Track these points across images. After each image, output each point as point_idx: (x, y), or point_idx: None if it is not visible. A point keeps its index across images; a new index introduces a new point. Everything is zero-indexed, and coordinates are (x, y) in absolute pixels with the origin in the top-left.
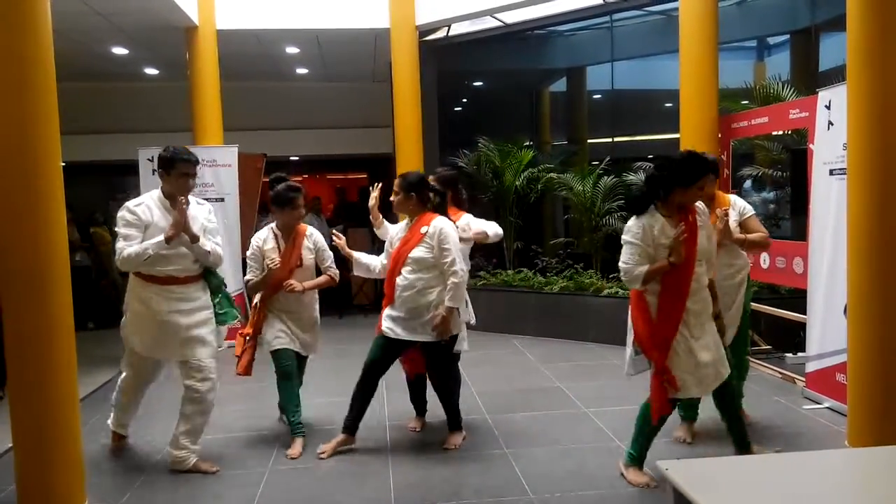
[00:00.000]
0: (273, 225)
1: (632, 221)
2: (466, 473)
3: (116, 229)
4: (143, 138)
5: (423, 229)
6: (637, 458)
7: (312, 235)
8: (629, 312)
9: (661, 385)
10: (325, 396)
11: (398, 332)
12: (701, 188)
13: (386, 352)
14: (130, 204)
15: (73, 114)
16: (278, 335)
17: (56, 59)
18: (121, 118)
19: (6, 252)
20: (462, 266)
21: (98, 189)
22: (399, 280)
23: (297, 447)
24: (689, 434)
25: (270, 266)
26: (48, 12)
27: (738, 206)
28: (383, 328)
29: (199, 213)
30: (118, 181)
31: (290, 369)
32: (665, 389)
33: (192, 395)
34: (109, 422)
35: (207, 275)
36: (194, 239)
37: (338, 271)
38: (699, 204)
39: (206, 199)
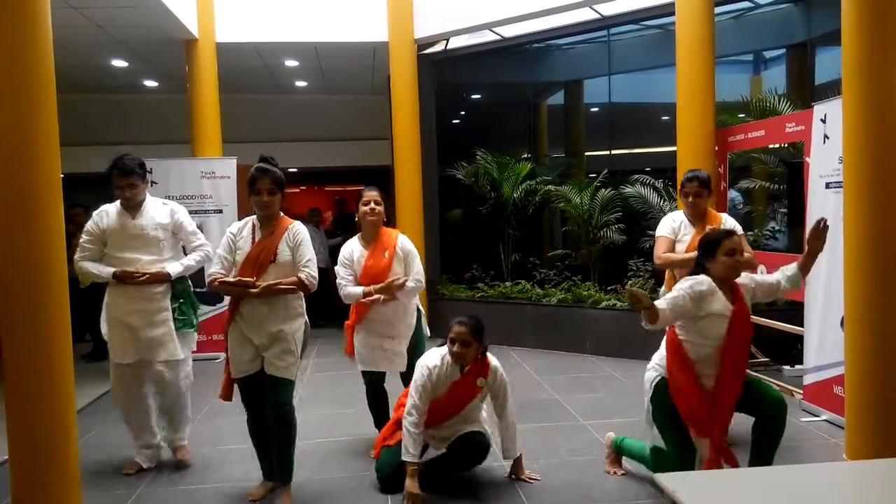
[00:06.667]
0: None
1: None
2: (464, 487)
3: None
4: (143, 150)
5: (480, 381)
6: (616, 451)
7: (294, 229)
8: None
9: (720, 463)
10: (327, 408)
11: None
12: (728, 254)
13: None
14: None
15: (73, 125)
16: (238, 363)
17: (56, 71)
18: (120, 130)
19: (4, 263)
20: None
21: (97, 200)
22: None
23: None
24: None
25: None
26: (49, 25)
27: (728, 225)
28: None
29: (158, 215)
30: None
31: (249, 402)
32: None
33: (160, 389)
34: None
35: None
36: (165, 276)
37: (315, 274)
38: (744, 279)
39: (205, 211)
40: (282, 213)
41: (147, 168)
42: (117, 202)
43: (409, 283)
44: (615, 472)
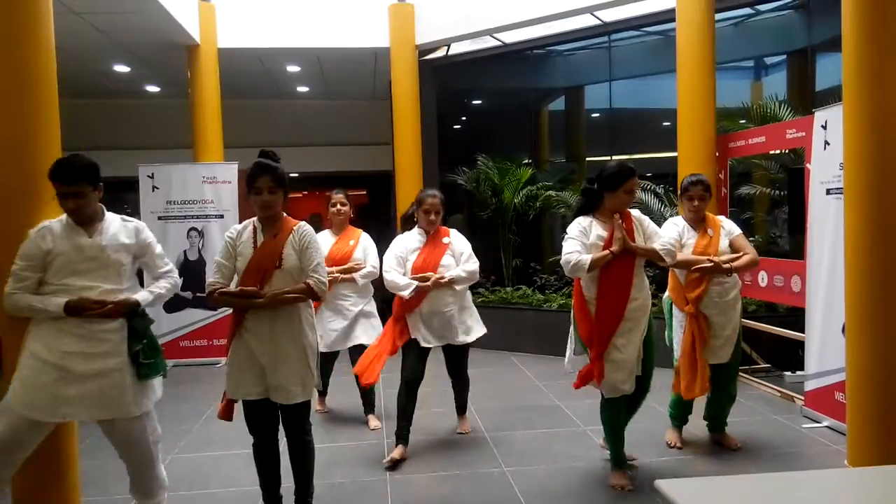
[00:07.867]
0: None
1: (571, 224)
2: (465, 491)
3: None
4: (145, 155)
5: (445, 239)
6: (614, 462)
7: (300, 230)
8: (572, 311)
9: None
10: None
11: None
12: (628, 192)
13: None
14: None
15: (75, 130)
16: (240, 383)
17: (58, 76)
18: (122, 135)
19: (5, 266)
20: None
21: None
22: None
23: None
24: (678, 439)
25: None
26: (51, 30)
27: (726, 227)
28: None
29: (122, 233)
30: (118, 197)
31: (258, 435)
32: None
33: (123, 452)
34: None
35: (132, 315)
36: (133, 305)
37: (325, 280)
38: (636, 213)
39: (206, 217)
40: (285, 214)
41: (100, 171)
42: (63, 216)
43: (367, 269)
44: (623, 488)
